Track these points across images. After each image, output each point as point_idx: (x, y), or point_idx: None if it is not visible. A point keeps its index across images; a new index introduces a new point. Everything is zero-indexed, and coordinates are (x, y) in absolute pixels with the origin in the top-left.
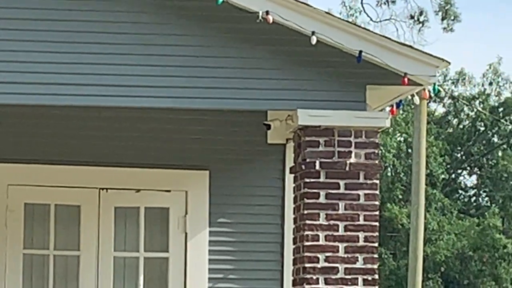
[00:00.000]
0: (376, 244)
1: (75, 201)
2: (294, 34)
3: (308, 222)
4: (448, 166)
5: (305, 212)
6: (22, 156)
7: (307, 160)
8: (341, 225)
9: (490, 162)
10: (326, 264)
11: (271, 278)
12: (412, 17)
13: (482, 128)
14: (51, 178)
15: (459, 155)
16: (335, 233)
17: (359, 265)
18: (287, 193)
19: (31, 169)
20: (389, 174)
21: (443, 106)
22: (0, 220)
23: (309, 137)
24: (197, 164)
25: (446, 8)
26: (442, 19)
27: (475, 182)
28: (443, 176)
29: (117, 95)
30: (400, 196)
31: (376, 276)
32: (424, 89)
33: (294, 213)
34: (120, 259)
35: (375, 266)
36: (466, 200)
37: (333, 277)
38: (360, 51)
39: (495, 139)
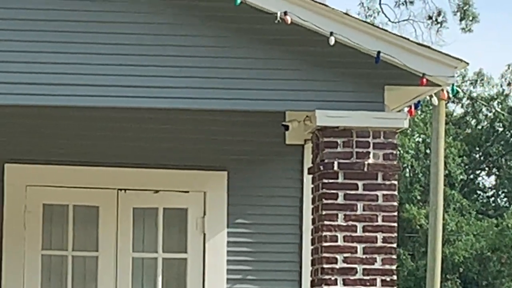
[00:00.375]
0: (394, 245)
1: (94, 201)
2: (312, 34)
3: (326, 223)
4: (467, 166)
5: (324, 213)
6: (40, 157)
7: (325, 161)
8: (359, 226)
9: (508, 163)
10: (345, 265)
11: (289, 279)
12: (430, 17)
13: (501, 129)
14: (69, 178)
15: (477, 155)
16: (354, 234)
17: (377, 266)
18: (305, 194)
19: (50, 170)
20: (407, 175)
21: (462, 106)
22: (19, 221)
23: (327, 138)
24: (216, 165)
25: (465, 8)
26: (461, 20)
27: (494, 182)
28: (461, 176)
29: (134, 96)
30: (419, 197)
31: (395, 277)
32: (442, 90)
33: (312, 214)
34: (138, 260)
35: (394, 267)
36: (484, 200)
37: (352, 278)
38: (379, 52)
39: None
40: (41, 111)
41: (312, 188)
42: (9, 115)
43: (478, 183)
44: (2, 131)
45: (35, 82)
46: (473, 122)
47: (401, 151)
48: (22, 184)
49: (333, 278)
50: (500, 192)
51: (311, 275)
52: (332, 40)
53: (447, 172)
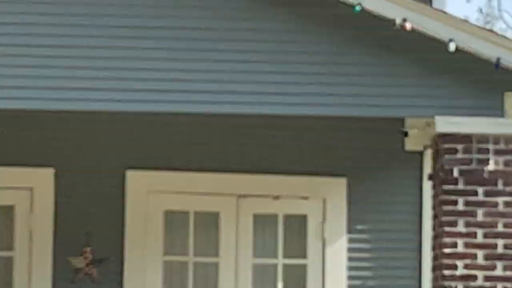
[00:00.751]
0: None
1: (214, 208)
2: (431, 41)
3: (446, 229)
4: None
5: (443, 219)
6: (161, 163)
7: (445, 167)
8: (479, 232)
9: None
10: (465, 272)
11: (409, 285)
12: None
13: None
14: (190, 185)
15: None
16: (474, 241)
17: (498, 272)
18: (424, 200)
19: (171, 176)
20: None
21: None
22: (140, 227)
23: (447, 144)
24: (335, 171)
25: None
26: None
27: None
28: None
29: (254, 102)
30: None
31: None
32: None
33: (432, 220)
34: (258, 265)
35: None
36: None
37: (472, 284)
38: (498, 58)
39: None
40: (162, 117)
41: (432, 194)
42: (131, 122)
43: None
44: (124, 138)
45: (157, 89)
46: None
47: None
48: (143, 191)
49: (453, 285)
50: None
51: (431, 282)
52: (451, 47)
53: None
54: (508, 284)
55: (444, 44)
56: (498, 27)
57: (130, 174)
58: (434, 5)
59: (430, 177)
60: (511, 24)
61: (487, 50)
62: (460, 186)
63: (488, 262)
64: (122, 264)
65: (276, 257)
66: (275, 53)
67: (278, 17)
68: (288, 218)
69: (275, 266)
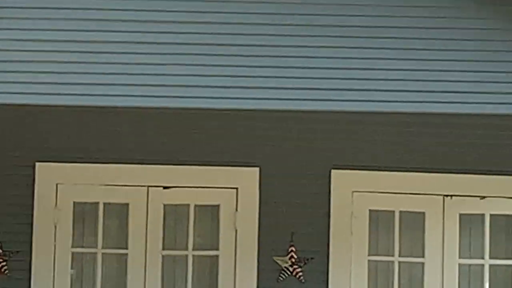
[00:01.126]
0: None
1: (420, 207)
2: None
3: None
4: None
5: None
6: (366, 162)
7: None
8: None
9: None
10: None
11: None
12: None
13: None
14: (395, 184)
15: None
16: None
17: None
18: None
19: (376, 176)
20: None
21: None
22: (345, 227)
23: None
24: None
25: None
26: None
27: None
28: None
29: (450, 101)
30: None
31: None
32: None
33: None
34: (465, 266)
35: None
36: None
37: None
38: None
39: None
40: (366, 117)
41: None
42: (337, 121)
43: None
44: (330, 137)
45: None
46: None
47: None
48: (348, 190)
49: None
50: None
51: None
52: None
53: None
54: None
55: None
56: None
57: (335, 174)
58: None
59: None
60: None
61: None
62: None
63: None
64: (327, 264)
65: (482, 257)
66: (482, 52)
67: (484, 16)
68: (495, 218)
69: (481, 266)
